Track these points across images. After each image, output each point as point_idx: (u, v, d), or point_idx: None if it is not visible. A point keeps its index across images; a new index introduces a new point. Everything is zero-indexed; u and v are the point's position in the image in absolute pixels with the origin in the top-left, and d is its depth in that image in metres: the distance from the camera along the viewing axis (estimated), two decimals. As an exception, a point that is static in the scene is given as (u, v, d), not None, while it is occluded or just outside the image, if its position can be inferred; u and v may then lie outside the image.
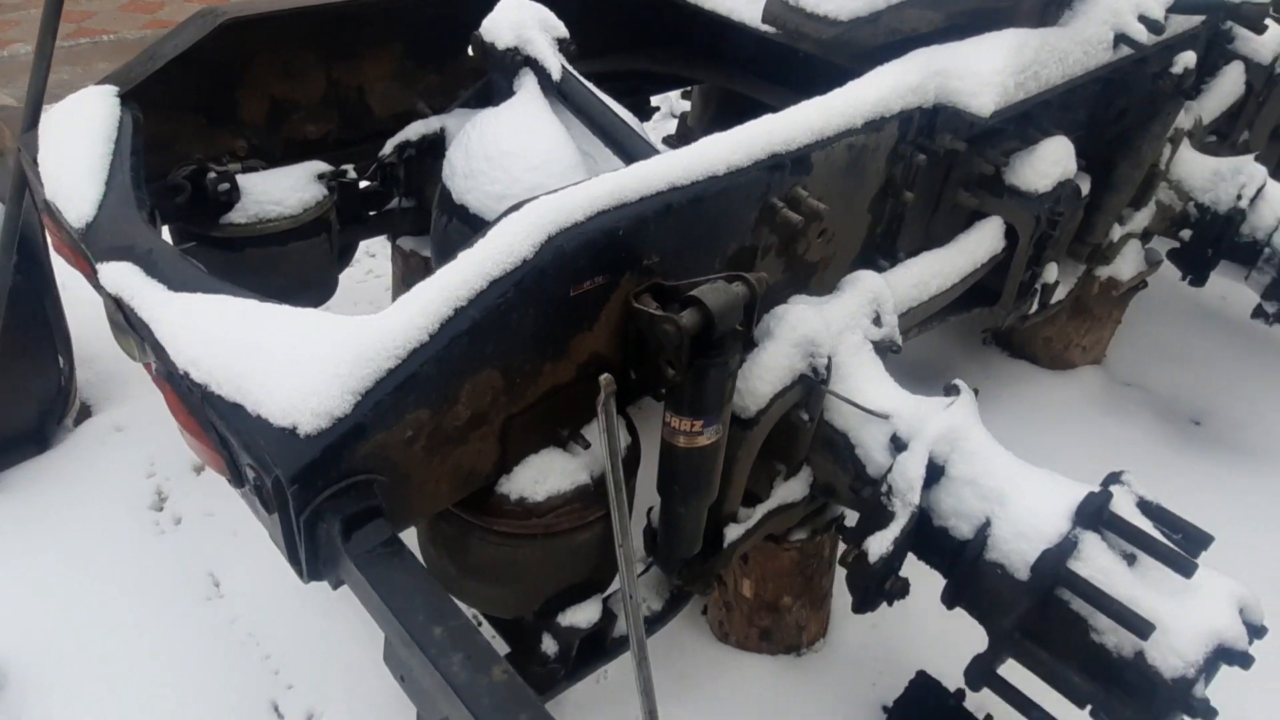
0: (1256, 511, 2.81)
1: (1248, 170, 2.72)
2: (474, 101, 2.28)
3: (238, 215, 1.93)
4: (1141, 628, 1.32)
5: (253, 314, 1.29)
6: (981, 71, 1.80)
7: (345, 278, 2.44)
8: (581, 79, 1.98)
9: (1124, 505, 1.48)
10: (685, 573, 1.72)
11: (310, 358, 1.19)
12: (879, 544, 1.55)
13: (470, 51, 2.01)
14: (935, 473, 1.59)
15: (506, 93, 2.01)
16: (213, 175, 1.86)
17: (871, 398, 1.70)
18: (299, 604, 2.17)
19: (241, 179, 1.92)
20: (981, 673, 1.53)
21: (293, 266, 2.06)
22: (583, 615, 1.58)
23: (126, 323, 1.39)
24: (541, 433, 1.44)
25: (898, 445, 1.64)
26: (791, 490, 1.82)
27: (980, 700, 1.83)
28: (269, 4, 1.95)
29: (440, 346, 1.20)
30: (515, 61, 1.95)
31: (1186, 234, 2.83)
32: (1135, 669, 1.37)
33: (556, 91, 1.97)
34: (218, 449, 1.27)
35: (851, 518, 1.85)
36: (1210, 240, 2.75)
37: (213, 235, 1.91)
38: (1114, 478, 1.55)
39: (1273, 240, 2.68)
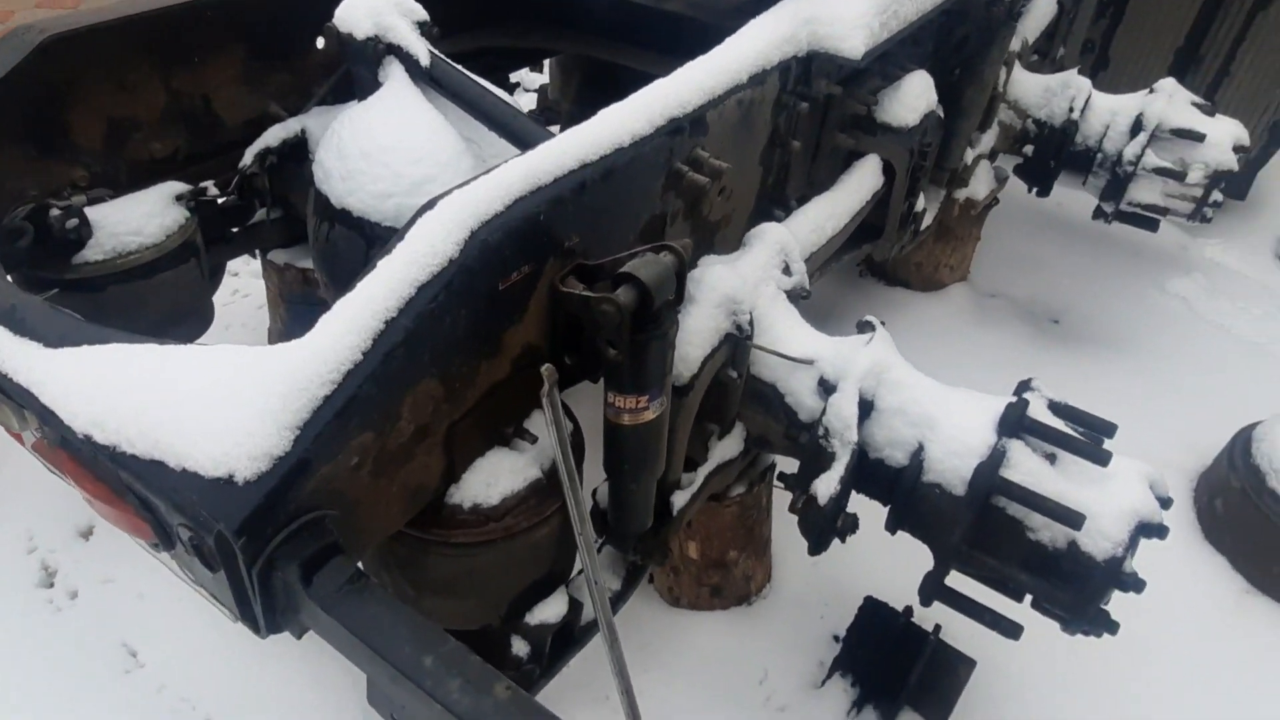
0: (1113, 393, 3.09)
1: (1075, 84, 2.94)
2: (332, 98, 2.15)
3: (93, 252, 1.74)
4: (1073, 519, 1.44)
5: (154, 359, 1.17)
6: (848, 16, 1.85)
7: (214, 302, 2.26)
8: (451, 63, 1.90)
9: (1038, 410, 1.59)
10: (640, 547, 1.73)
11: (234, 397, 1.10)
12: (826, 485, 1.60)
13: (321, 44, 1.88)
14: (865, 408, 1.66)
15: (371, 84, 1.89)
16: (56, 212, 1.67)
17: (794, 345, 1.74)
18: (228, 658, 2.03)
19: (90, 212, 1.73)
20: (934, 588, 1.63)
21: (163, 299, 1.89)
22: (551, 610, 1.56)
23: (1, 392, 1.23)
24: (485, 434, 1.40)
25: (826, 388, 1.69)
26: (727, 448, 1.85)
27: (926, 615, 1.95)
28: (90, 15, 1.74)
29: (376, 363, 1.13)
30: (378, 51, 1.84)
31: (1029, 149, 3.04)
32: (1070, 557, 1.49)
33: (427, 78, 1.88)
34: (138, 514, 1.15)
35: (785, 464, 1.90)
36: (1051, 153, 2.97)
37: (67, 278, 1.72)
38: (1025, 386, 1.67)
39: (1103, 146, 2.92)
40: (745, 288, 1.66)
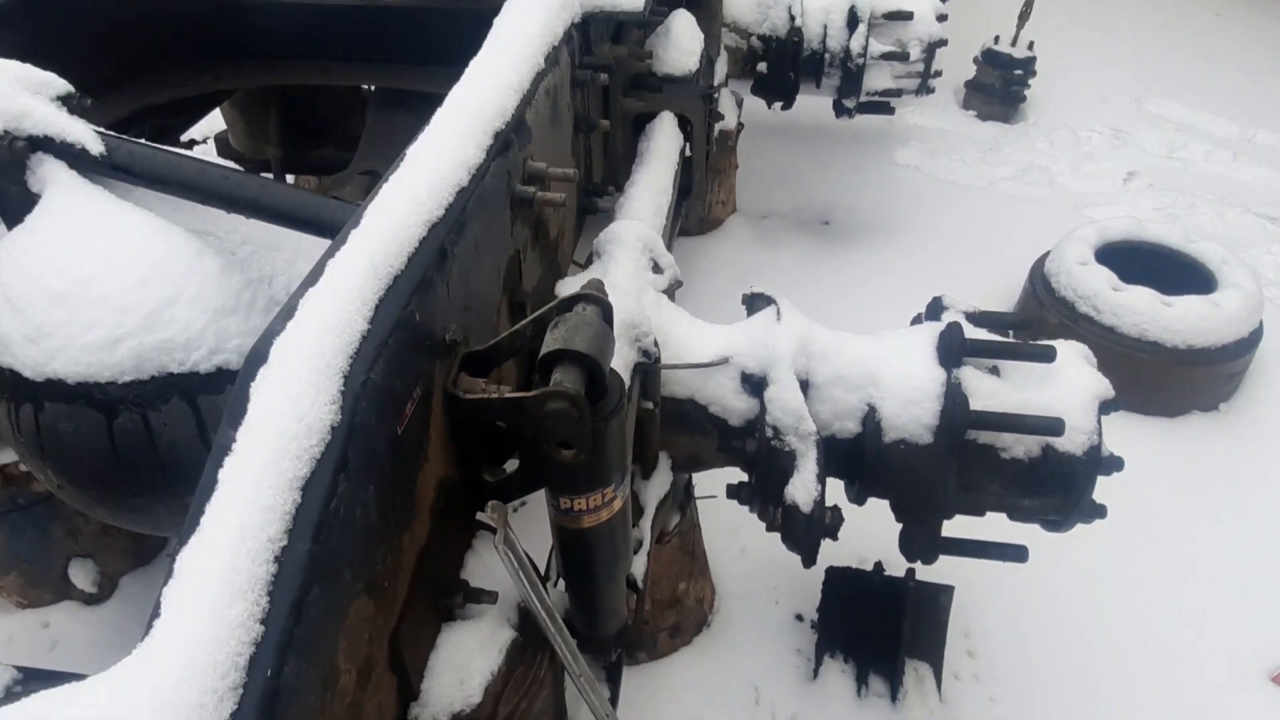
0: (907, 270, 3.23)
1: (784, -9, 2.92)
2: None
3: None
4: (1053, 427, 1.36)
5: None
6: (613, -35, 1.58)
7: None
8: (137, 140, 1.38)
9: (964, 327, 1.49)
10: (618, 640, 1.43)
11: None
12: (804, 489, 1.40)
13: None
14: (801, 388, 1.47)
15: (24, 198, 1.33)
16: None
17: (699, 349, 1.50)
18: None
19: None
20: (931, 543, 1.50)
21: None
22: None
23: None
24: (431, 623, 1.02)
25: (752, 384, 1.48)
26: (658, 486, 1.59)
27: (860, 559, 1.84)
28: None
29: (284, 624, 0.72)
30: (18, 150, 1.29)
31: (764, 66, 3.00)
32: (1051, 461, 1.42)
33: (106, 168, 1.35)
34: None
35: (711, 474, 1.68)
36: (788, 64, 2.94)
37: None
38: (939, 304, 1.57)
39: (828, 46, 2.94)
40: (636, 307, 1.38)
